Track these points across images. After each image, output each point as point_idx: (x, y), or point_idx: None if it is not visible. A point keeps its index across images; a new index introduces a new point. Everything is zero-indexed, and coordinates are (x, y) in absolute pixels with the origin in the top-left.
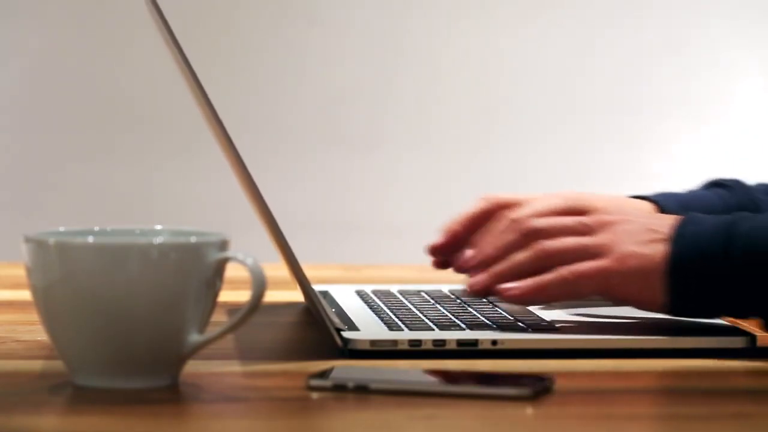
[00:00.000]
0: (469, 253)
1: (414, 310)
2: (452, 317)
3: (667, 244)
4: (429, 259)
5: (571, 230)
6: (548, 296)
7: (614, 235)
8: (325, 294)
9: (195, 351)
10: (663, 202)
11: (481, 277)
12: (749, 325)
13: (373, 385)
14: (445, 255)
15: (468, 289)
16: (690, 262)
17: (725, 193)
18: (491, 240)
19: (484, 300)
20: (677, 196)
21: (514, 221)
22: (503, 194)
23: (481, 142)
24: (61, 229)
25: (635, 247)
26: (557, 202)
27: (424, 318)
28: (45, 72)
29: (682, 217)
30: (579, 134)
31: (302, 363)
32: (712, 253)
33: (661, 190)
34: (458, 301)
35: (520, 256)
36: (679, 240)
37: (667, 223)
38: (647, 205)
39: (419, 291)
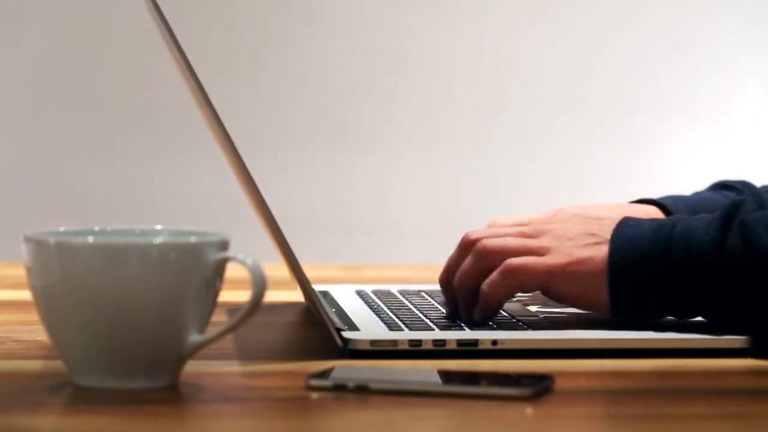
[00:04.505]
0: None
1: (414, 310)
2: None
3: (608, 246)
4: (429, 259)
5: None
6: (497, 293)
7: (555, 239)
8: (325, 294)
9: (195, 351)
10: (671, 205)
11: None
12: None
13: (374, 385)
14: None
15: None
16: (626, 263)
17: (732, 195)
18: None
19: None
20: (684, 199)
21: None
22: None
23: (481, 142)
24: (61, 229)
25: (576, 250)
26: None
27: (424, 318)
28: (45, 72)
29: (620, 220)
30: (580, 134)
31: (302, 363)
32: (649, 253)
33: (669, 194)
34: None
35: (465, 261)
36: (616, 242)
37: (607, 226)
38: (654, 209)
39: (419, 291)
